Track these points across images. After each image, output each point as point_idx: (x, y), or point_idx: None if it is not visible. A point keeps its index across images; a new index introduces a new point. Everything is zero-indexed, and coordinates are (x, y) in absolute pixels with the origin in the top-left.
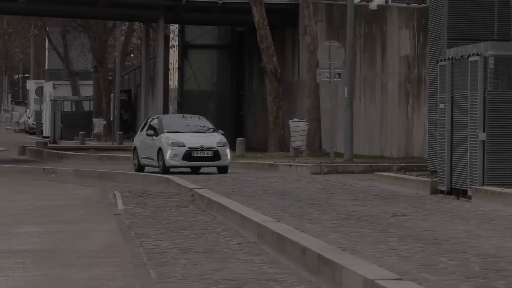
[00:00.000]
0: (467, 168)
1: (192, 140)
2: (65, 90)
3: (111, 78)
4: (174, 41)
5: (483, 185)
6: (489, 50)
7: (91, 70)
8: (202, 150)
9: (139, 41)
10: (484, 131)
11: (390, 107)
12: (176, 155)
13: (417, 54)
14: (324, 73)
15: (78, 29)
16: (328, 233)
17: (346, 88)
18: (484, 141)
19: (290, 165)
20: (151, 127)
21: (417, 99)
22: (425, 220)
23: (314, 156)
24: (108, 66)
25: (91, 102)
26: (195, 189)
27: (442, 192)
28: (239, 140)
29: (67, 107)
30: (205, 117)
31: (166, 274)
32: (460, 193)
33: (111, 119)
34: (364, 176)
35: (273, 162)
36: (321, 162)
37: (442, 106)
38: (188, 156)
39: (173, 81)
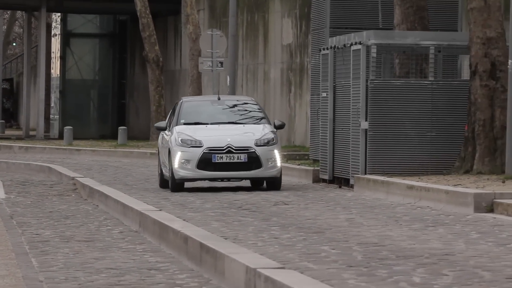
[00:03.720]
0: (349, 157)
1: (215, 135)
2: None
3: None
4: (56, 29)
5: (365, 173)
6: (372, 39)
7: None
8: (229, 152)
9: (21, 30)
10: (366, 120)
11: (272, 96)
12: (187, 161)
13: (299, 43)
14: (206, 62)
15: None
16: (210, 221)
17: (228, 77)
18: (366, 129)
19: None
20: (170, 117)
21: (299, 88)
22: (307, 209)
23: None
24: None
25: None
26: (76, 178)
27: (324, 181)
28: (121, 129)
29: None
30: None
31: (48, 263)
32: (342, 182)
33: None
34: None
35: (155, 151)
36: None
37: (324, 94)
38: (205, 162)
39: (55, 70)
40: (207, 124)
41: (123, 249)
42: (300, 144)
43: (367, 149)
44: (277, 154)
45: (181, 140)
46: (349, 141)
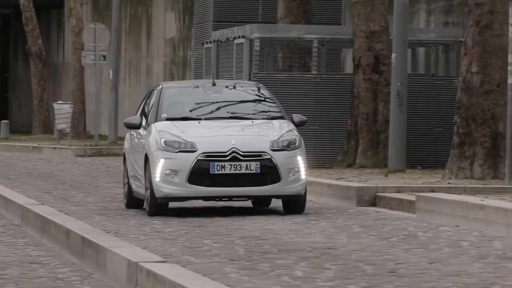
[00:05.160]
0: None
1: (213, 136)
2: None
3: None
4: None
5: None
6: (255, 32)
7: None
8: (234, 159)
9: None
10: None
11: None
12: (174, 172)
13: (182, 37)
14: (89, 56)
15: None
16: (92, 215)
17: (111, 70)
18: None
19: (55, 148)
20: (144, 111)
21: None
22: (188, 202)
23: (78, 139)
24: None
25: None
26: None
27: None
28: (3, 122)
29: None
30: None
31: None
32: None
33: None
34: None
35: (37, 145)
36: (85, 145)
37: None
38: (200, 173)
39: None
40: (199, 119)
41: (4, 243)
42: None
43: None
44: (301, 162)
45: (164, 142)
46: None
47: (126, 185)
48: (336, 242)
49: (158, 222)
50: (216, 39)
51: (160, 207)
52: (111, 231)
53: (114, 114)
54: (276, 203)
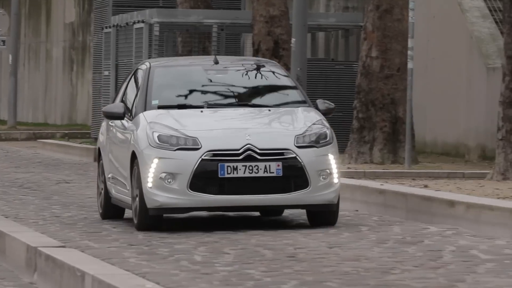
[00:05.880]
0: None
1: (221, 129)
2: None
3: None
4: None
5: None
6: (154, 17)
7: None
8: (249, 158)
9: None
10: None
11: (54, 74)
12: (171, 176)
13: (82, 21)
14: None
15: None
16: None
17: (10, 55)
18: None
19: None
20: (126, 96)
21: (81, 66)
22: (88, 187)
23: None
24: None
25: None
26: None
27: None
28: None
29: None
30: None
31: None
32: None
33: None
34: (28, 144)
35: None
36: None
37: (106, 73)
38: (205, 177)
39: None
40: (201, 107)
41: None
42: (82, 123)
43: None
44: (333, 161)
45: (158, 137)
46: None
47: (102, 191)
48: (236, 227)
49: (57, 207)
50: (115, 23)
51: (152, 220)
52: (10, 216)
53: (13, 99)
54: None
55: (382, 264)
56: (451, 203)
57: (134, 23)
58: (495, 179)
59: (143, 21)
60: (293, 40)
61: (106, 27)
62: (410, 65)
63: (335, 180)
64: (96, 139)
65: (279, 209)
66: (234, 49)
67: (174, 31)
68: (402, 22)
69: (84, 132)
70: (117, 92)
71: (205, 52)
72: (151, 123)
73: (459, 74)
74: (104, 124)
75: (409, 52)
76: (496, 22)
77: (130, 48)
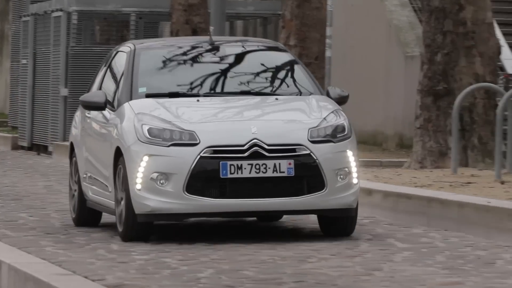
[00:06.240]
0: (48, 124)
1: (223, 121)
2: None
3: None
4: None
5: (64, 140)
6: (73, 5)
7: None
8: (256, 155)
9: None
10: (66, 87)
11: None
12: (164, 177)
13: (0, 9)
14: None
15: None
16: None
17: None
18: (66, 96)
19: None
20: (105, 83)
21: (0, 55)
22: (5, 176)
23: None
24: None
25: None
26: None
27: (23, 148)
28: None
29: None
30: None
31: None
32: (41, 148)
33: None
34: None
35: None
36: None
37: (24, 61)
38: (204, 178)
39: None
40: (197, 95)
41: None
42: (0, 111)
43: (66, 116)
44: (352, 159)
45: (148, 131)
46: (49, 108)
47: (75, 193)
48: None
49: None
50: (34, 12)
51: (141, 228)
52: None
53: None
54: None
55: (299, 253)
56: (369, 192)
57: (52, 11)
58: (413, 167)
59: (61, 10)
60: (211, 28)
61: (24, 16)
62: (328, 53)
63: (355, 180)
64: (13, 127)
65: (287, 214)
66: (152, 37)
67: (92, 19)
68: (321, 11)
69: (1, 120)
70: (92, 79)
71: (123, 40)
72: (139, 114)
73: (378, 63)
74: (78, 114)
75: (327, 41)
76: (415, 11)
77: (48, 37)
